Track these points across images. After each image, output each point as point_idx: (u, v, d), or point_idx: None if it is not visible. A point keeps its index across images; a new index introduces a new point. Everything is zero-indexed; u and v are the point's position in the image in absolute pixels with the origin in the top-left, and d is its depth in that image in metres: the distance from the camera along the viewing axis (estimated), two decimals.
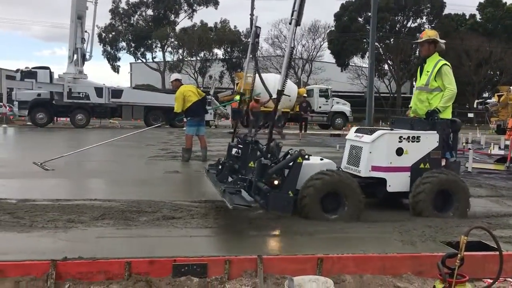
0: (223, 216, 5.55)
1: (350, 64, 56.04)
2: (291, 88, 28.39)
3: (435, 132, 6.01)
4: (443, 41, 6.55)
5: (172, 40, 56.21)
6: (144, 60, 58.42)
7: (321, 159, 6.05)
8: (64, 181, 8.06)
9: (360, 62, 55.80)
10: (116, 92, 27.11)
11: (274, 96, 5.61)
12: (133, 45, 56.57)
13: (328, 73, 53.47)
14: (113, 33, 56.29)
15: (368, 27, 38.08)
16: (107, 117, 28.10)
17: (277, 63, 50.91)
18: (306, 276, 3.50)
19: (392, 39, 52.85)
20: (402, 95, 52.34)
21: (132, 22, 56.90)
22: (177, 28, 57.19)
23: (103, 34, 55.54)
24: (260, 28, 6.75)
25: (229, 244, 4.64)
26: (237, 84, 31.25)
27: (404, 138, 5.89)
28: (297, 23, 5.11)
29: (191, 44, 53.84)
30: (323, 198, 5.38)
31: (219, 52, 58.14)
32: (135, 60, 60.02)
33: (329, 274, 3.86)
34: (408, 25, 54.01)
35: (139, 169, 9.86)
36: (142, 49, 57.48)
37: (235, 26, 58.40)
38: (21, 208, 5.52)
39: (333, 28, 55.29)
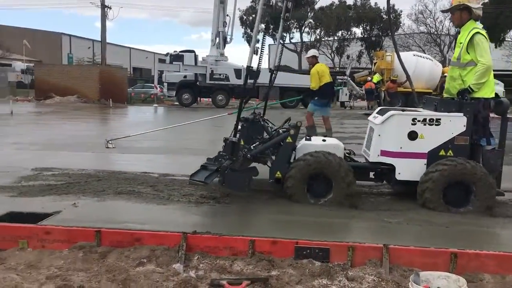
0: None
1: (506, 39, 50.36)
2: (433, 67, 26.46)
3: (462, 114, 5.08)
4: (478, 5, 5.40)
5: (310, 20, 56.07)
6: (282, 42, 59.29)
7: (324, 140, 5.54)
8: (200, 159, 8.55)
9: None
10: (254, 73, 27.94)
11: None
12: (271, 26, 57.67)
13: None
14: (253, 16, 57.95)
15: None
16: (246, 98, 29.15)
17: (420, 41, 47.89)
18: (436, 272, 3.23)
19: None
20: None
21: (271, 3, 57.89)
22: (315, 7, 56.80)
23: (244, 17, 57.51)
24: None
25: (352, 230, 4.50)
26: (375, 63, 30.09)
27: (418, 120, 5.09)
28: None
29: (328, 23, 53.15)
30: (309, 180, 5.06)
31: (357, 31, 56.56)
32: (273, 42, 61.20)
33: (464, 271, 3.53)
34: None
35: None
36: (276, 31, 58.32)
37: (375, 3, 56.07)
38: (161, 182, 6.01)
39: (486, 0, 50.05)
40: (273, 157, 5.42)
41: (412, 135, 5.11)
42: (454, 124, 5.08)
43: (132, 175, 6.46)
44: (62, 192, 5.41)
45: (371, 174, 5.51)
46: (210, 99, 28.19)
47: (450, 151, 5.08)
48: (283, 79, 28.45)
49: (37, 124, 15.07)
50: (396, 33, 47.24)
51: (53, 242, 3.96)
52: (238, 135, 5.36)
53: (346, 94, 28.33)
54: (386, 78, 26.72)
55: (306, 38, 57.73)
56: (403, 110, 5.53)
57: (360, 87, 28.75)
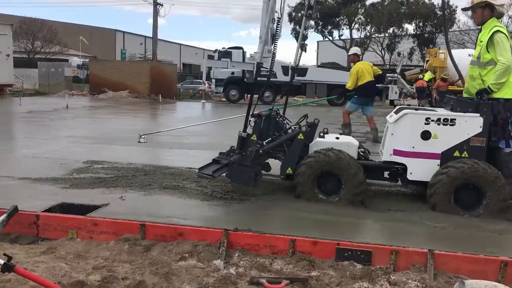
0: (394, 203, 5.29)
1: None
2: None
3: (478, 115, 4.84)
4: (501, 2, 5.10)
5: (360, 16, 55.10)
6: (331, 38, 58.62)
7: (337, 138, 5.45)
8: None
9: None
10: (301, 71, 27.79)
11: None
12: (320, 23, 57.16)
13: None
14: (303, 12, 57.58)
15: None
16: (292, 94, 29.09)
17: (476, 38, 45.97)
18: (483, 280, 3.10)
19: None
20: None
21: (321, 0, 57.37)
22: (367, 3, 55.75)
23: (293, 14, 57.25)
24: None
25: (395, 233, 4.40)
26: (427, 61, 29.21)
27: (432, 120, 4.92)
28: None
29: (380, 20, 52.02)
30: (319, 178, 5.06)
31: (409, 27, 55.05)
32: (323, 39, 60.66)
33: None
34: None
35: None
36: (329, 27, 57.71)
37: None
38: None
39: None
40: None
41: (425, 135, 5.02)
42: (470, 124, 4.94)
43: (178, 170, 6.58)
44: (111, 185, 5.60)
45: (386, 174, 5.47)
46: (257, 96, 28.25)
47: (465, 153, 4.95)
48: (331, 76, 28.18)
49: (90, 118, 15.63)
50: (450, 30, 45.60)
51: (101, 233, 4.11)
52: (251, 131, 5.44)
53: (396, 93, 27.56)
54: (439, 76, 25.89)
55: (356, 34, 56.85)
56: (416, 109, 5.42)
57: (411, 86, 27.97)
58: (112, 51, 56.25)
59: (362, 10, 54.86)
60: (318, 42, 65.22)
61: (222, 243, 3.83)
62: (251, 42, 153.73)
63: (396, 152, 5.18)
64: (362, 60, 10.47)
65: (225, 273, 3.51)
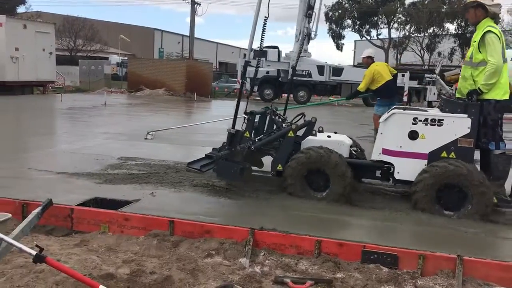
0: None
1: None
2: None
3: (465, 115, 4.75)
4: (493, 2, 4.98)
5: (399, 16, 54.05)
6: (369, 38, 57.80)
7: (329, 136, 5.48)
8: None
9: None
10: (337, 70, 27.59)
11: None
12: (358, 22, 56.41)
13: None
14: (340, 11, 57.03)
15: None
16: (326, 94, 28.89)
17: None
18: None
19: None
20: None
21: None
22: (406, 2, 54.66)
23: (330, 13, 56.73)
24: None
25: (422, 238, 4.34)
26: None
27: (420, 120, 4.86)
28: None
29: (419, 19, 50.89)
30: (307, 175, 5.15)
31: (451, 27, 53.62)
32: (360, 38, 59.84)
33: None
34: None
35: None
36: (367, 26, 56.89)
37: None
38: None
39: None
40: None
41: (413, 135, 5.02)
42: (458, 125, 4.91)
43: None
44: (143, 181, 5.73)
45: (378, 173, 5.43)
46: (292, 95, 28.21)
47: (452, 153, 4.92)
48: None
49: (126, 115, 16.01)
50: None
51: (131, 228, 4.23)
52: (244, 128, 5.55)
53: (434, 94, 26.89)
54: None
55: (394, 34, 55.80)
56: (405, 109, 5.43)
57: (450, 87, 27.30)
58: (151, 50, 57.28)
59: (402, 9, 53.80)
60: (355, 41, 64.37)
61: (248, 242, 3.87)
62: (288, 41, 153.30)
63: (385, 151, 5.21)
64: (375, 61, 10.22)
65: (250, 271, 3.55)
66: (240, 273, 3.49)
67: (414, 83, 25.90)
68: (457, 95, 5.53)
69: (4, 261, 3.27)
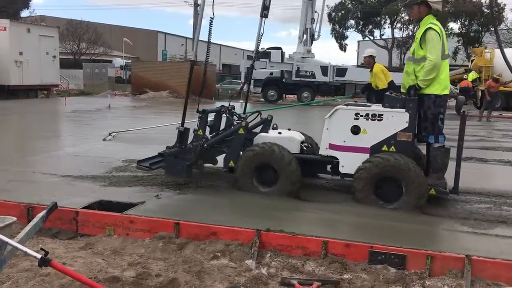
0: (433, 207, 5.16)
1: None
2: None
3: (403, 110, 5.00)
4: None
5: (402, 15, 53.93)
6: (372, 38, 57.71)
7: (279, 133, 5.61)
8: None
9: None
10: (341, 71, 27.55)
11: None
12: (361, 22, 56.33)
13: None
14: (342, 12, 56.95)
15: None
16: (330, 94, 28.84)
17: None
18: None
19: None
20: None
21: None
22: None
23: (333, 13, 56.67)
24: None
25: (430, 238, 4.32)
26: (472, 61, 28.30)
27: (361, 115, 4.96)
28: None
29: None
30: (256, 170, 5.29)
31: (454, 26, 53.44)
32: (363, 38, 59.75)
33: None
34: None
35: None
36: (370, 27, 56.82)
37: None
38: None
39: None
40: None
41: (355, 130, 5.14)
42: (397, 120, 5.05)
43: (214, 170, 6.64)
44: (148, 183, 5.72)
45: (328, 167, 5.58)
46: (296, 96, 28.19)
47: (392, 147, 5.05)
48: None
49: (131, 117, 16.01)
50: (498, 29, 44.01)
51: (136, 231, 4.21)
52: (198, 126, 5.79)
53: None
54: (484, 76, 25.02)
55: (397, 34, 55.69)
56: (347, 105, 5.59)
57: (455, 86, 27.18)
58: (154, 52, 57.39)
59: (404, 9, 53.66)
60: (358, 41, 64.25)
61: (254, 243, 3.85)
62: (291, 43, 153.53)
63: (331, 146, 5.35)
64: (376, 61, 10.17)
65: (256, 273, 3.52)
66: (246, 275, 3.46)
67: None
68: (402, 91, 5.59)
69: (10, 265, 3.26)
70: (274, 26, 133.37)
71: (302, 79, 27.12)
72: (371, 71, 9.92)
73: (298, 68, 27.02)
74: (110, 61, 45.49)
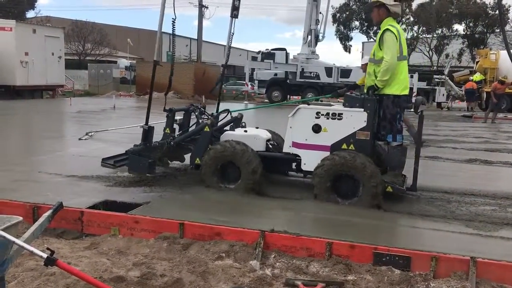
0: (438, 209, 5.16)
1: None
2: None
3: (362, 110, 5.15)
4: (394, 2, 5.21)
5: (408, 16, 53.85)
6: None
7: (245, 131, 5.73)
8: None
9: None
10: (345, 72, 27.53)
11: None
12: (365, 23, 56.29)
13: None
14: (347, 13, 56.94)
15: None
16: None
17: None
18: None
19: None
20: None
21: (366, 0, 56.49)
22: (414, 3, 54.44)
23: (337, 15, 56.66)
24: None
25: (435, 240, 4.30)
26: (477, 62, 28.23)
27: (322, 114, 5.25)
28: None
29: (428, 20, 50.66)
30: (221, 167, 5.44)
31: (459, 28, 53.30)
32: (367, 39, 59.68)
33: None
34: None
35: None
36: (374, 28, 56.73)
37: None
38: None
39: None
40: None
41: (316, 128, 5.27)
42: (355, 119, 5.20)
43: None
44: (152, 184, 5.74)
45: (293, 165, 5.69)
46: (300, 97, 28.19)
47: (351, 146, 5.19)
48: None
49: (135, 118, 16.02)
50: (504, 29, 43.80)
51: (141, 231, 4.22)
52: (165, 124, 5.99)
53: (443, 95, 26.78)
54: (489, 77, 24.95)
55: None
56: (309, 104, 5.73)
57: (459, 87, 27.10)
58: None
59: (409, 10, 53.57)
60: (363, 43, 64.17)
61: (258, 244, 3.85)
62: (296, 44, 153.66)
63: (294, 144, 5.48)
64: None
65: (260, 273, 3.53)
66: (250, 276, 3.47)
67: (423, 84, 25.74)
68: (364, 90, 5.70)
69: (15, 264, 3.28)
70: (279, 27, 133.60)
71: (307, 80, 27.13)
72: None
73: (303, 69, 27.04)
74: (115, 62, 45.60)
